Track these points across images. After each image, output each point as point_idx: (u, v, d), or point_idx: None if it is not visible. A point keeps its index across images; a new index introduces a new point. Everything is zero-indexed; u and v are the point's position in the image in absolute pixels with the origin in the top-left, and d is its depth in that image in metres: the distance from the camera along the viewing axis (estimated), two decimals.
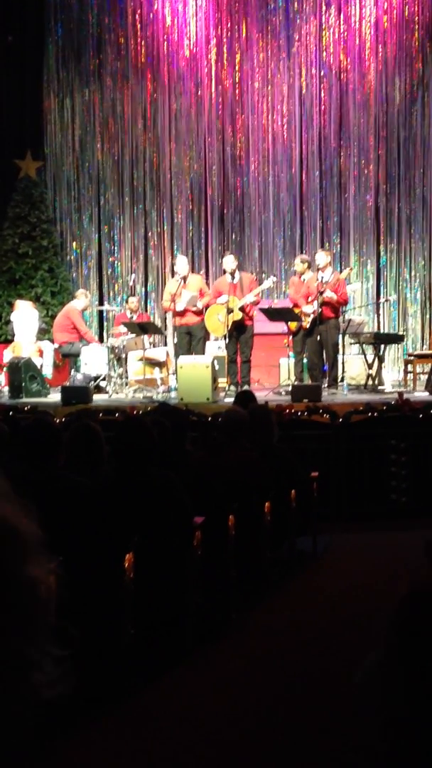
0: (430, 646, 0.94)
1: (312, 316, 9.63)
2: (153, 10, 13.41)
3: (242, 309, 9.70)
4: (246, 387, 9.48)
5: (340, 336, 9.98)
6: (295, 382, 9.67)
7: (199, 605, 3.99)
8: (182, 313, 10.05)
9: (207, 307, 10.03)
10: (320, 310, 9.56)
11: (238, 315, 9.68)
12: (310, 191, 13.32)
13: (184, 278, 10.10)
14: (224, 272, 10.09)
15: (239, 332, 9.83)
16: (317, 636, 4.45)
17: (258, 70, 13.37)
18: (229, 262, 9.98)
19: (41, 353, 10.94)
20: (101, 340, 12.03)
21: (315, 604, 5.11)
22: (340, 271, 10.76)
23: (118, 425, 4.15)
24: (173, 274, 12.49)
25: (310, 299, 9.73)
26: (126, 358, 10.42)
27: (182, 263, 10.30)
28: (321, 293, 9.52)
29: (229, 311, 9.64)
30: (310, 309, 9.68)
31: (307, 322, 9.73)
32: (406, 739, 0.90)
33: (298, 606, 5.06)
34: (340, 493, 7.66)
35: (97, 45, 13.47)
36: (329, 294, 9.56)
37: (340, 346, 10.03)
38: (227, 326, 9.69)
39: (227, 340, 9.88)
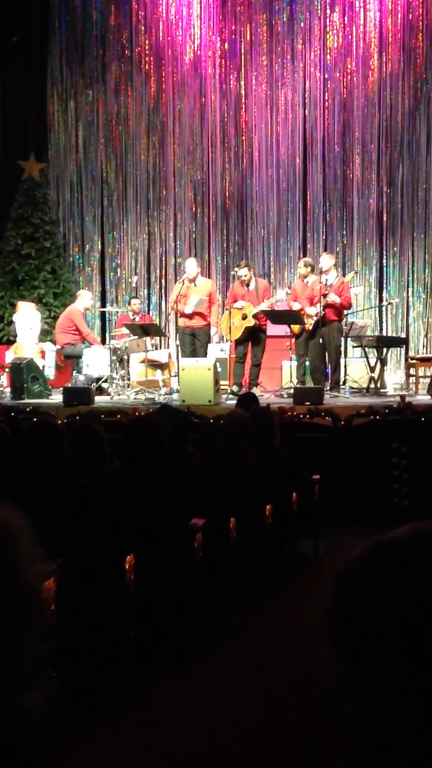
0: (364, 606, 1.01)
1: (315, 318, 9.63)
2: (157, 12, 13.42)
3: (255, 316, 9.74)
4: (254, 389, 9.50)
5: (343, 339, 9.97)
6: (297, 385, 9.66)
7: (199, 608, 3.98)
8: (189, 316, 10.06)
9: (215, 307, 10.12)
10: (323, 312, 9.56)
11: (251, 321, 9.71)
12: (314, 194, 13.31)
13: (192, 280, 10.12)
14: (238, 278, 10.07)
15: (253, 337, 9.85)
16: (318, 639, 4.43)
17: (262, 72, 13.37)
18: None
19: (43, 354, 10.95)
20: (103, 341, 12.02)
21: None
22: (344, 275, 10.73)
23: (121, 427, 4.15)
24: (176, 277, 12.50)
25: (314, 301, 9.72)
26: (128, 360, 10.42)
27: (191, 265, 10.33)
28: (324, 296, 9.52)
29: (244, 317, 9.69)
30: (313, 311, 9.68)
31: (309, 324, 9.73)
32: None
33: (299, 609, 5.04)
34: (342, 496, 7.66)
35: (101, 47, 13.48)
36: (333, 297, 9.55)
37: (343, 349, 10.02)
38: (240, 331, 9.75)
39: (240, 343, 9.91)
